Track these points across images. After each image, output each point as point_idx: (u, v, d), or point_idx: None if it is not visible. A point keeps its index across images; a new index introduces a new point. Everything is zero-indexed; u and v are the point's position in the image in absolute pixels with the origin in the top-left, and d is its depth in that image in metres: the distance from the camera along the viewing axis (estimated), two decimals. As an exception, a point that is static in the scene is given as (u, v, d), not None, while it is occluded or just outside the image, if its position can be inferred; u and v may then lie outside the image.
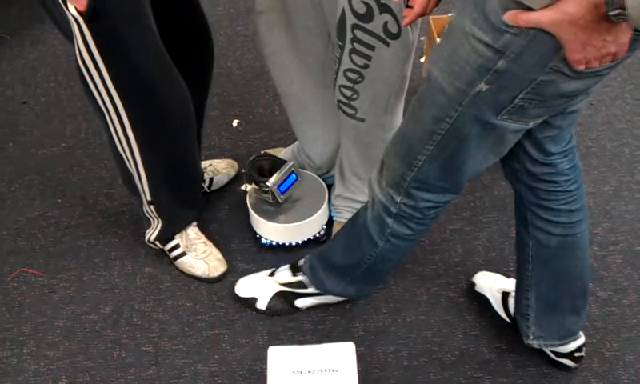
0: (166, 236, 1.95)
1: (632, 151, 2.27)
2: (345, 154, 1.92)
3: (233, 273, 1.98)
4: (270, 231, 1.98)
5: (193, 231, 1.98)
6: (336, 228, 2.01)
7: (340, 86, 1.68)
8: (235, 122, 2.43)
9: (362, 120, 1.73)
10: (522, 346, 1.78)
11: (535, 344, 1.68)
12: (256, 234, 2.02)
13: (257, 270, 1.97)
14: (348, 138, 1.86)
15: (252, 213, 1.98)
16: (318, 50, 1.79)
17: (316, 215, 1.96)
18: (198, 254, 1.95)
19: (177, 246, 1.96)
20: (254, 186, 1.97)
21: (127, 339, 1.85)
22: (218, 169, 2.19)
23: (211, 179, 2.16)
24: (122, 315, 1.90)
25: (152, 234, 1.94)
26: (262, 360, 1.75)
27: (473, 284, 1.90)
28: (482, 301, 1.88)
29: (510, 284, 1.82)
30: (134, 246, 2.06)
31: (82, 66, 1.56)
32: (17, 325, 1.89)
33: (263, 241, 2.01)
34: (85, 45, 1.50)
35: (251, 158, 2.01)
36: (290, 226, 1.96)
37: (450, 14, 2.34)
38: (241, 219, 2.10)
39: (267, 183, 1.91)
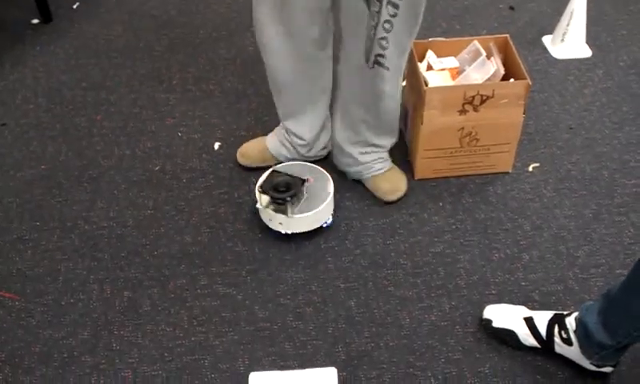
0: None
1: (611, 174, 2.29)
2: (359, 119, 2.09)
3: (214, 296, 1.96)
4: (324, 215, 2.11)
5: None
6: (375, 181, 2.20)
7: (379, 39, 1.81)
8: (217, 145, 2.42)
9: (388, 68, 1.88)
10: (504, 371, 1.78)
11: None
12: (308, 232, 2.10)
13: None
14: (365, 94, 2.00)
15: (304, 214, 2.05)
16: (315, 34, 1.91)
17: (331, 185, 2.13)
18: None
19: None
20: (273, 205, 2.05)
21: (106, 365, 1.82)
22: None
23: None
24: (100, 340, 1.88)
25: None
26: (243, 385, 1.73)
27: (488, 321, 1.84)
28: (464, 325, 1.88)
29: (524, 310, 1.82)
30: (113, 269, 2.03)
31: None
32: (-8, 350, 1.86)
33: (325, 225, 2.12)
34: None
35: (259, 186, 2.07)
36: (326, 205, 2.08)
37: (430, 39, 2.35)
38: (220, 241, 2.09)
39: (307, 181, 2.09)
